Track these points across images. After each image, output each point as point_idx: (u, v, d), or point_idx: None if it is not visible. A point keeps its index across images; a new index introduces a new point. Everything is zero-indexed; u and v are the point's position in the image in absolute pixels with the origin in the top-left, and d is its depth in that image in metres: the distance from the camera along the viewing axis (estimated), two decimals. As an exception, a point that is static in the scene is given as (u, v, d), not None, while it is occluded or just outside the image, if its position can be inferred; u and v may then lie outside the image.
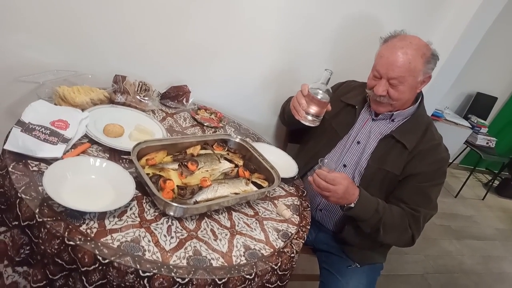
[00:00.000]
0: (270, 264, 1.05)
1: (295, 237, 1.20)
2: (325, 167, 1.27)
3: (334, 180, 1.23)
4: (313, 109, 1.39)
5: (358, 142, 1.51)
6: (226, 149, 1.42)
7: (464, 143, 4.31)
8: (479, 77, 4.19)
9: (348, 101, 1.59)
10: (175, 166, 1.19)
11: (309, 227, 1.29)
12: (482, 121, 4.36)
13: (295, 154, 1.72)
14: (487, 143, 4.36)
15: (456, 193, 4.38)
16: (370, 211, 1.31)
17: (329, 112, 1.58)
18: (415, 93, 1.41)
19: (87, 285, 0.87)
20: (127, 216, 1.00)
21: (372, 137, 1.49)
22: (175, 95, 1.66)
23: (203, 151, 1.34)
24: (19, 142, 1.04)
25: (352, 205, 1.29)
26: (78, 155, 1.13)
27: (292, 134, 1.97)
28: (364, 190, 1.32)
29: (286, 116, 1.69)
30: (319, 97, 1.37)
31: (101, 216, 0.96)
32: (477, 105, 4.41)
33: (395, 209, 1.36)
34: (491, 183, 4.86)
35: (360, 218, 1.34)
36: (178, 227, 1.04)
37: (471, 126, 4.14)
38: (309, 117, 1.41)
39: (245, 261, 1.02)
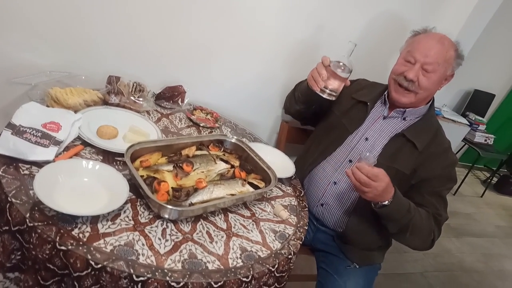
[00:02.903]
0: (267, 266, 1.03)
1: (292, 238, 1.18)
2: (365, 161, 1.22)
3: (377, 176, 1.20)
4: (332, 82, 1.33)
5: (366, 139, 1.50)
6: (222, 149, 1.40)
7: (462, 141, 4.29)
8: (476, 74, 4.17)
9: (359, 98, 1.58)
10: (170, 167, 1.17)
11: (306, 228, 1.27)
12: (480, 118, 4.35)
13: (302, 151, 1.73)
14: (485, 140, 4.35)
15: (454, 190, 4.37)
16: (403, 211, 1.30)
17: (339, 109, 1.59)
18: (437, 89, 1.42)
19: (79, 290, 0.85)
20: (120, 219, 0.98)
21: (382, 135, 1.48)
22: (170, 96, 1.64)
23: (198, 152, 1.32)
24: (10, 145, 1.02)
25: (387, 202, 1.27)
26: (71, 157, 1.11)
27: (292, 133, 1.95)
28: (398, 189, 1.30)
29: (300, 94, 1.62)
30: (340, 70, 1.31)
31: (94, 220, 0.94)
32: (475, 102, 4.39)
33: (423, 212, 1.36)
34: (489, 180, 4.85)
35: (391, 218, 1.32)
36: (173, 230, 1.02)
37: (469, 124, 4.12)
38: (327, 91, 1.35)
39: (241, 264, 1.00)
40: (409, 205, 1.31)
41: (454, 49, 1.38)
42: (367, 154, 1.25)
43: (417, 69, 1.36)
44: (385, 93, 1.53)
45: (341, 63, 1.31)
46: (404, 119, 1.48)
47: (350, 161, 1.51)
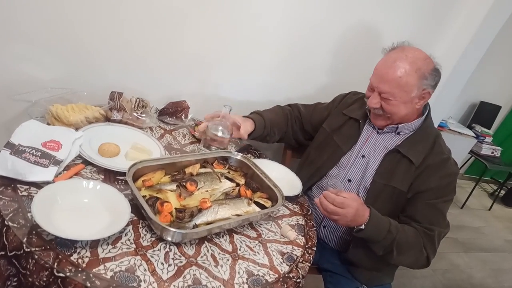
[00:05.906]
0: (275, 291, 0.98)
1: (300, 260, 1.13)
2: (331, 188, 1.21)
3: (342, 204, 1.16)
4: (214, 143, 1.46)
5: (363, 156, 1.45)
6: (226, 167, 1.36)
7: (468, 153, 4.24)
8: (482, 86, 4.14)
9: (350, 114, 1.53)
10: (173, 187, 1.13)
11: (315, 249, 1.22)
12: (487, 130, 4.30)
13: (297, 167, 1.67)
14: (492, 152, 4.29)
15: (462, 204, 4.30)
16: (382, 232, 1.25)
17: (331, 126, 1.55)
18: (413, 108, 1.34)
19: (77, 320, 0.80)
20: (121, 242, 0.94)
21: (377, 151, 1.43)
22: (173, 111, 1.61)
23: (202, 170, 1.28)
24: (8, 165, 0.98)
25: (363, 226, 1.22)
26: (71, 177, 1.07)
27: (295, 148, 1.91)
28: (374, 210, 1.25)
29: None
30: (217, 133, 1.44)
31: (94, 244, 0.90)
32: (481, 114, 4.35)
33: (409, 228, 1.30)
34: (497, 193, 4.78)
35: (371, 240, 1.28)
36: (176, 254, 0.98)
37: (475, 136, 4.07)
38: (213, 148, 1.46)
39: (248, 289, 0.96)
40: (389, 225, 1.26)
41: (415, 70, 1.26)
42: (333, 181, 1.22)
43: (376, 96, 1.32)
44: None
45: (219, 128, 1.44)
46: (398, 133, 1.41)
47: (349, 180, 1.46)
